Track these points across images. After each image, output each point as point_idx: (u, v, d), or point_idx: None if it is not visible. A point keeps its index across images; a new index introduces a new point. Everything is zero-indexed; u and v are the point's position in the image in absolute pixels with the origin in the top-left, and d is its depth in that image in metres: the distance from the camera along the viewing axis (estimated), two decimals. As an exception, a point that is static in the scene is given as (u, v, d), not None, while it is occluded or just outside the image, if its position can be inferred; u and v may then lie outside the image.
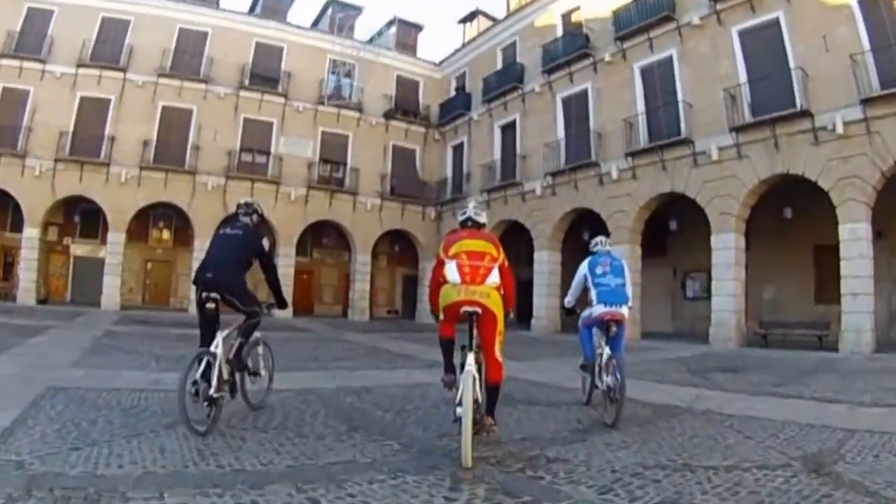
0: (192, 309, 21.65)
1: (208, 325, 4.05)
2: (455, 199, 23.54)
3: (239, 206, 4.59)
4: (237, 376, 4.22)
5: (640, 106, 15.97)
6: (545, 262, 18.51)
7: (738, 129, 13.36)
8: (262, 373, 4.71)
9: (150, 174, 21.10)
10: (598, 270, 5.03)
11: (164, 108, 21.49)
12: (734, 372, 8.46)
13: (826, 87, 12.01)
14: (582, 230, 19.33)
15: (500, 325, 3.62)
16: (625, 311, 4.90)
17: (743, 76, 13.58)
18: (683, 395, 6.07)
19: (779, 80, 12.74)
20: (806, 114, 12.22)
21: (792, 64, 12.58)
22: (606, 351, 4.85)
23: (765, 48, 13.25)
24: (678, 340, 15.74)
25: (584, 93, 17.89)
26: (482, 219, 3.92)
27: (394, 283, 28.85)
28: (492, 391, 3.68)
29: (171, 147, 21.34)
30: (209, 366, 3.74)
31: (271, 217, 22.86)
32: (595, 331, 5.12)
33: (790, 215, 15.11)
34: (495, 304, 3.55)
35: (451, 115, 24.54)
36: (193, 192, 21.83)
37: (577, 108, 18.14)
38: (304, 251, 26.60)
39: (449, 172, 24.62)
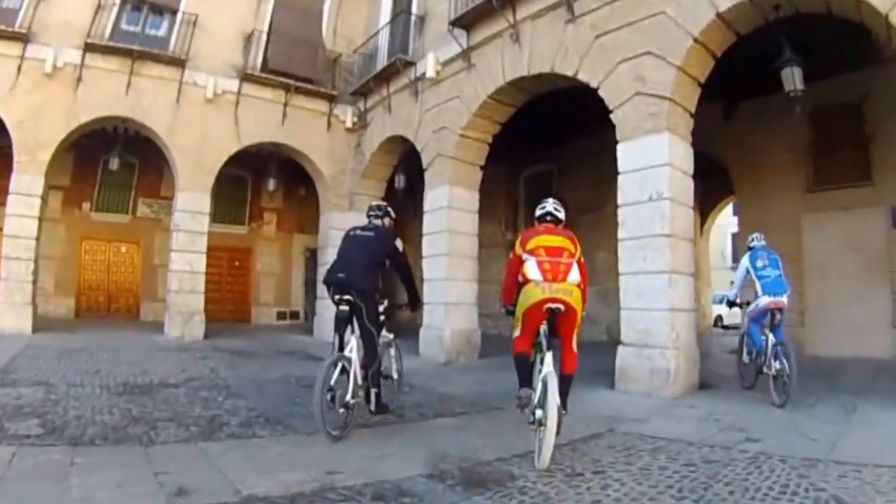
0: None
1: (342, 327, 3.99)
2: (390, 75, 11.15)
3: (371, 208, 4.54)
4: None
5: None
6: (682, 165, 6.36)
7: None
8: (394, 375, 4.69)
9: None
10: (759, 264, 5.54)
11: None
12: None
13: None
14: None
15: (578, 320, 3.64)
16: (785, 299, 5.39)
17: None
18: None
19: None
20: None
21: None
22: (771, 338, 5.31)
23: None
24: None
25: None
26: (561, 214, 3.87)
27: (289, 262, 16.30)
28: (566, 381, 3.65)
29: None
30: (344, 371, 3.76)
31: (1, 110, 10.39)
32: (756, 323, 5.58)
33: None
34: (577, 302, 3.53)
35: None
36: None
37: None
38: (120, 204, 14.64)
39: (384, 27, 12.14)
